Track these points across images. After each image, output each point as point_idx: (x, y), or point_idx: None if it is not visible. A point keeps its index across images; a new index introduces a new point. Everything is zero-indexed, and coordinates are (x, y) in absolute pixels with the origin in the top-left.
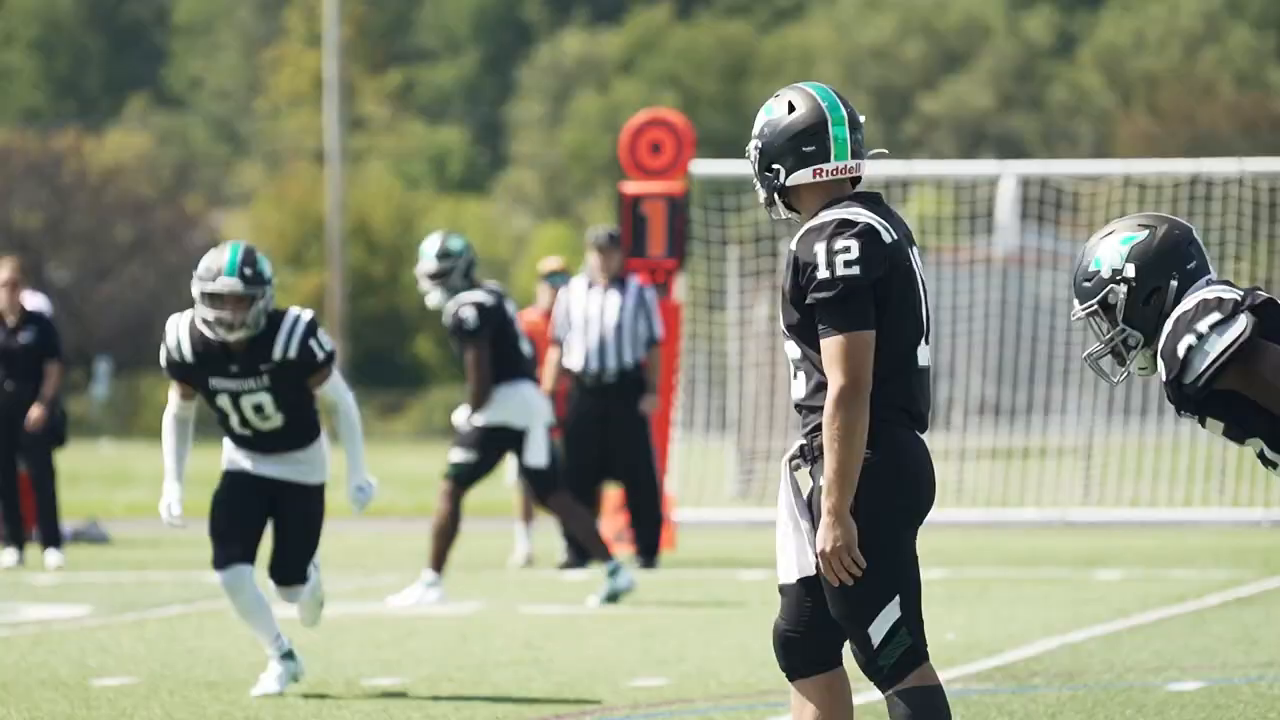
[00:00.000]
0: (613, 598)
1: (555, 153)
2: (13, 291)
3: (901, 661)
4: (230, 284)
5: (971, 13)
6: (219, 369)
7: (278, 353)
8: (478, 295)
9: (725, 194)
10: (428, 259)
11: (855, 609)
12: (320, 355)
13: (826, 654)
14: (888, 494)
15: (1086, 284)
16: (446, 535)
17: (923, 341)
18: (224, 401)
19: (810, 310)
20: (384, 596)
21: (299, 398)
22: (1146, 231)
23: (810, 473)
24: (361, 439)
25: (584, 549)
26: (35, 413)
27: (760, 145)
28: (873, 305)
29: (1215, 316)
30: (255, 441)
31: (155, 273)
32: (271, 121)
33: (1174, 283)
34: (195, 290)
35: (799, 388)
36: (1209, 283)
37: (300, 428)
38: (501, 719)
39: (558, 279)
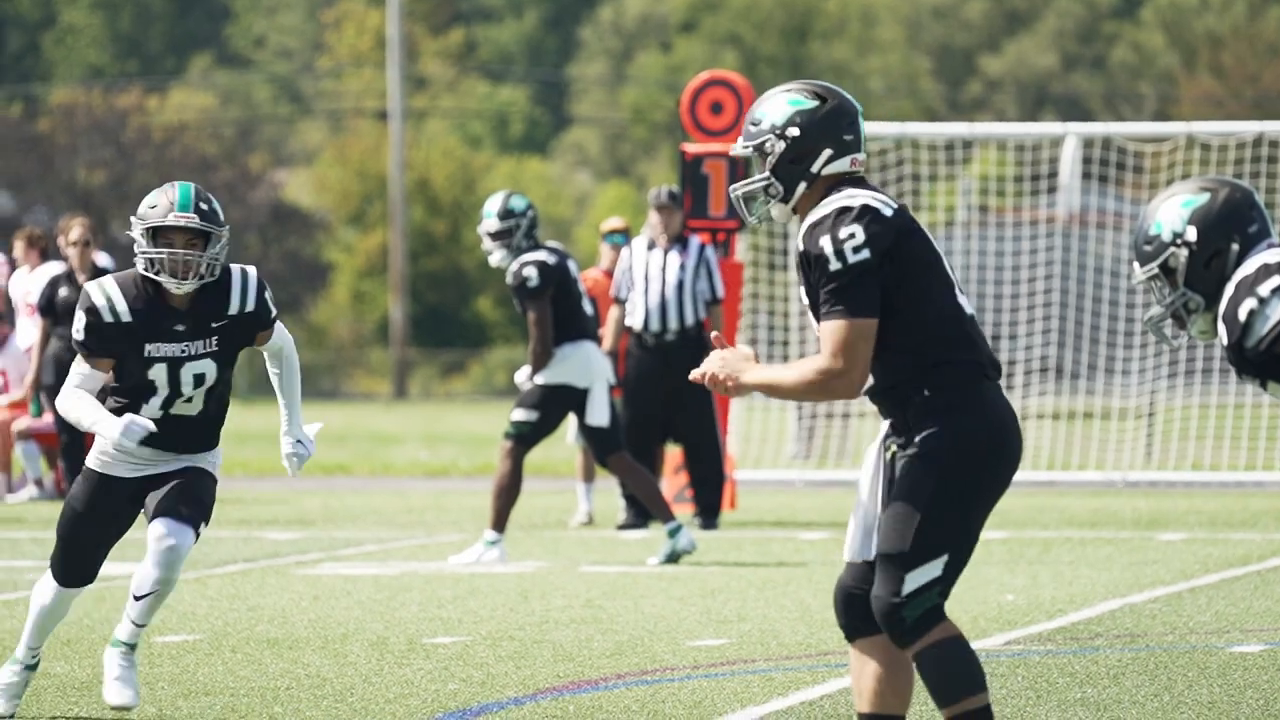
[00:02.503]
0: (673, 558)
1: (617, 112)
2: (84, 250)
3: (926, 617)
4: (187, 218)
5: None
6: (161, 330)
7: (234, 306)
8: (540, 254)
9: None
10: (490, 218)
11: (903, 549)
12: (272, 310)
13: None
14: (980, 463)
15: (1147, 247)
16: (508, 495)
17: (958, 291)
18: (158, 374)
19: None
20: (445, 555)
21: (230, 372)
22: (1208, 195)
23: (900, 446)
24: (300, 392)
25: (645, 509)
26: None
27: (797, 133)
28: (879, 290)
29: (1277, 280)
30: (164, 434)
31: None
32: (334, 80)
33: (1235, 246)
34: (139, 230)
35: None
36: (1270, 246)
37: (215, 421)
38: (562, 677)
39: (619, 239)
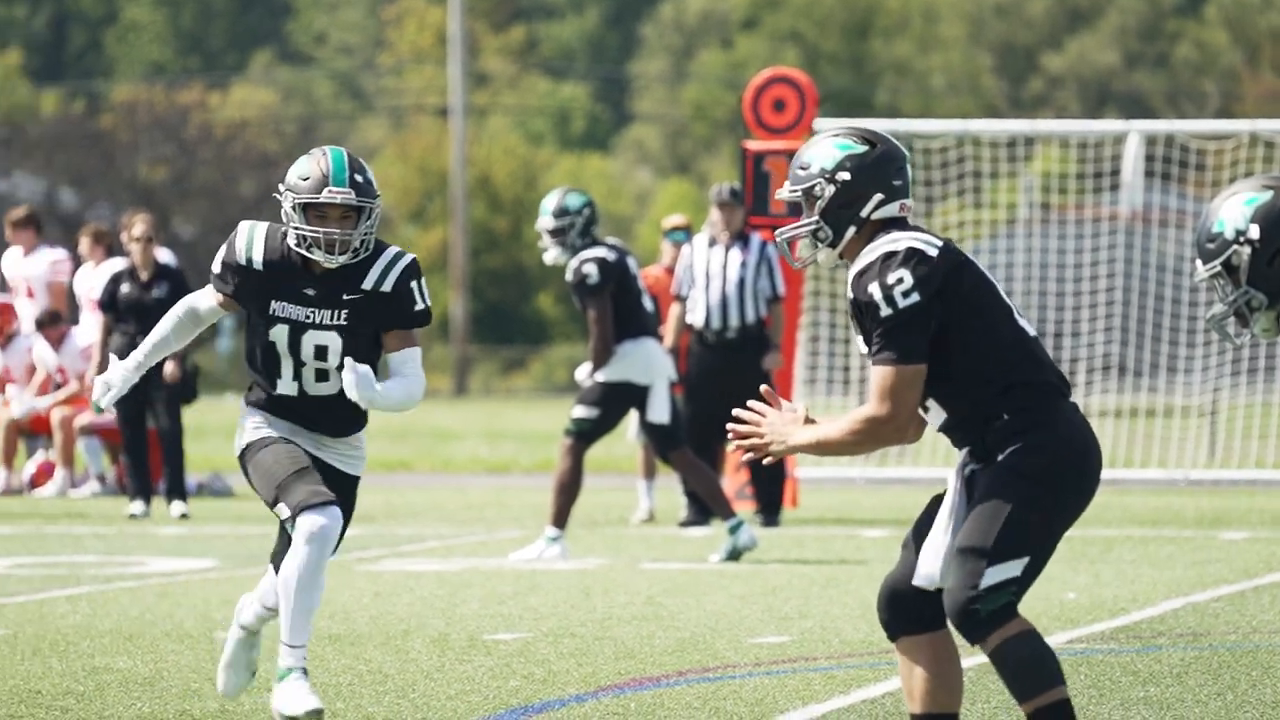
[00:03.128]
0: (734, 555)
1: (678, 109)
2: (146, 246)
3: (1000, 613)
4: (343, 194)
5: None
6: (291, 288)
7: (370, 282)
8: (600, 251)
9: None
10: (546, 215)
11: (986, 544)
12: (419, 303)
13: (931, 612)
14: (1065, 476)
15: (1210, 245)
16: (569, 491)
17: (1017, 314)
18: (279, 335)
19: None
20: (506, 552)
21: (369, 355)
22: (1271, 192)
23: (981, 469)
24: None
25: (706, 506)
26: (170, 368)
27: (848, 178)
28: (927, 334)
29: None
30: (299, 408)
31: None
32: (395, 77)
33: None
34: (291, 204)
35: (933, 417)
36: None
37: (355, 404)
38: (623, 675)
39: (680, 235)
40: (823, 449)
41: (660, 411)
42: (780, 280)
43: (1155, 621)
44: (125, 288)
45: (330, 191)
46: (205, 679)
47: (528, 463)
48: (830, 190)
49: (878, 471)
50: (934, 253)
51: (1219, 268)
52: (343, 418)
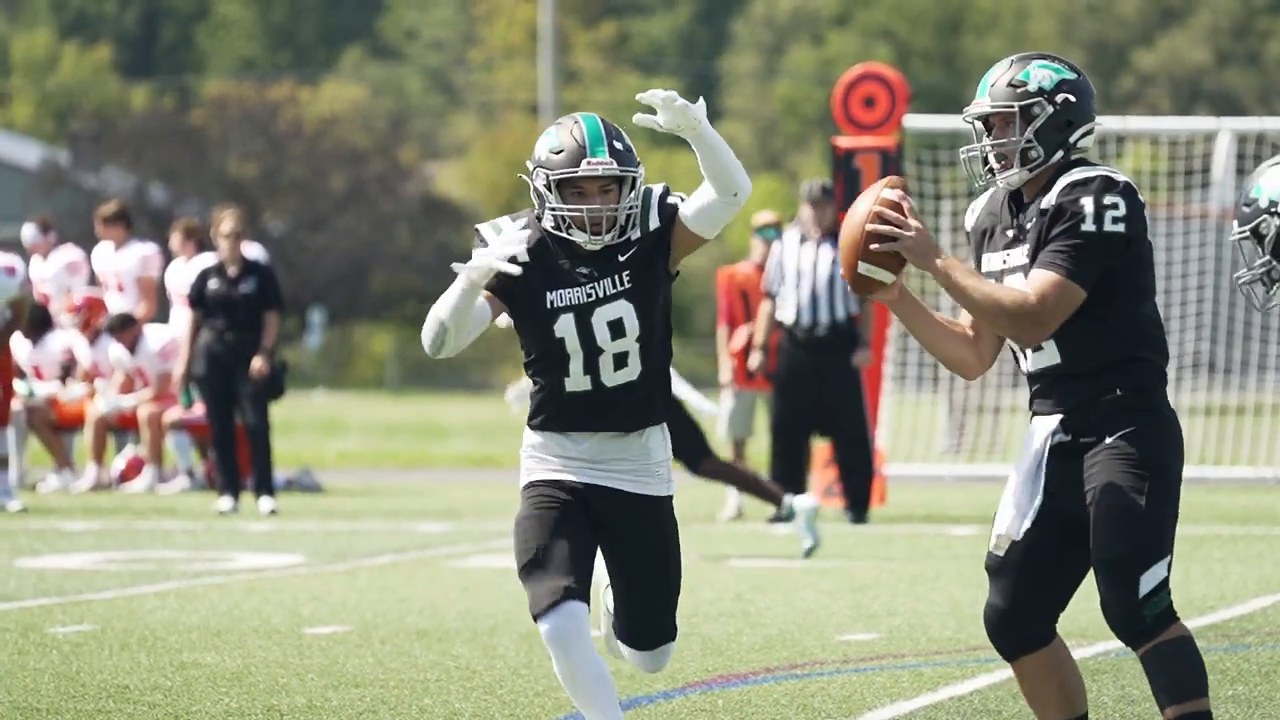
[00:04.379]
0: (811, 534)
1: (768, 106)
2: (235, 242)
3: (1163, 616)
4: (604, 163)
5: None
6: (563, 274)
7: (639, 229)
8: None
9: (939, 148)
10: None
11: (1136, 553)
12: (673, 202)
13: (1044, 630)
14: (1177, 465)
15: (1245, 209)
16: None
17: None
18: (565, 328)
19: None
20: None
21: (658, 320)
22: None
23: (1085, 445)
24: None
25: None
26: (259, 364)
27: (1072, 99)
28: (1101, 269)
29: None
30: (592, 405)
31: (369, 223)
32: (485, 73)
33: None
34: (544, 181)
35: (1037, 361)
36: None
37: (659, 379)
38: (711, 671)
39: (770, 232)
40: (949, 286)
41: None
42: None
43: (1244, 620)
44: (214, 283)
45: (589, 164)
46: (293, 674)
47: None
48: (1050, 111)
49: (967, 469)
50: (1142, 199)
51: (1247, 232)
52: (641, 406)
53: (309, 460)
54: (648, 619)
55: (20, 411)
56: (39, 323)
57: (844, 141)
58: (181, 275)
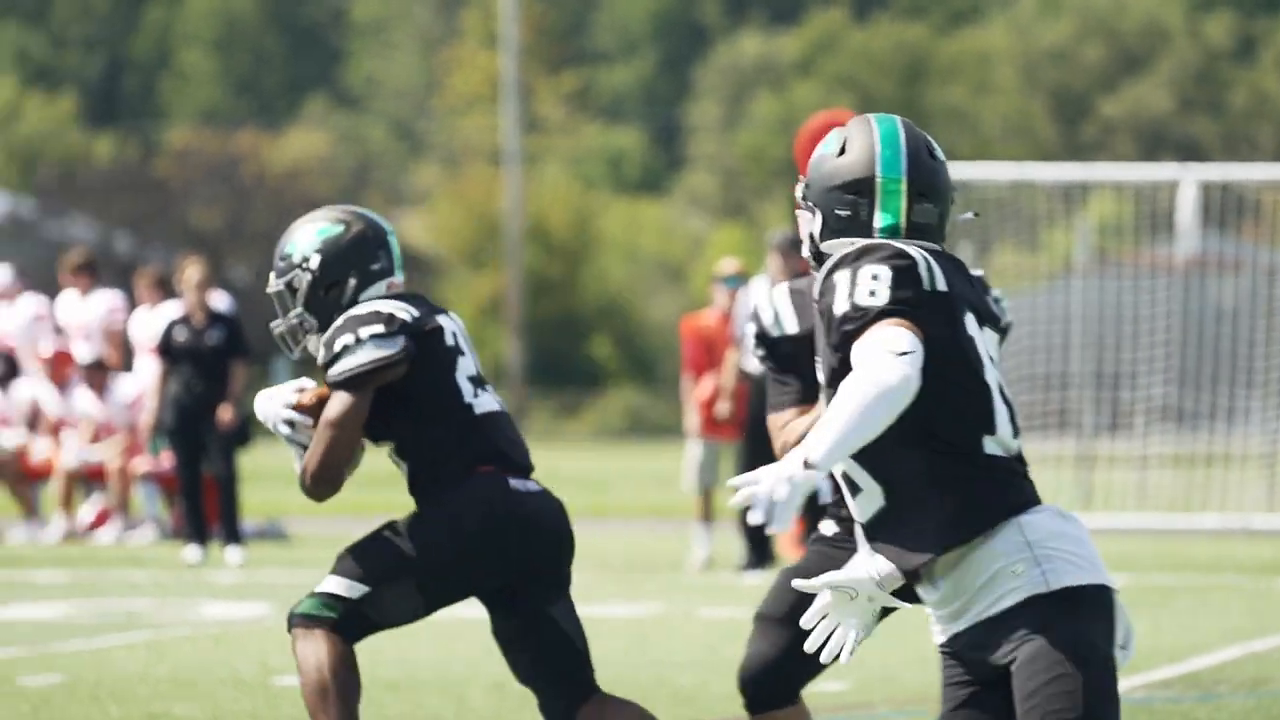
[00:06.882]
0: None
1: (731, 154)
2: (200, 292)
3: None
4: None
5: (1151, 15)
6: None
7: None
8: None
9: None
10: None
11: None
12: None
13: (790, 689)
14: None
15: (280, 263)
16: None
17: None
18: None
19: None
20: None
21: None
22: (342, 226)
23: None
24: None
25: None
26: (226, 414)
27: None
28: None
29: None
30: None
31: None
32: (449, 122)
33: None
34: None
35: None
36: None
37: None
38: None
39: (737, 281)
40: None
41: None
42: None
43: (1215, 670)
44: (180, 333)
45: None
46: None
47: (584, 507)
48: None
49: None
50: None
51: (283, 286)
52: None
53: (276, 509)
54: None
55: None
56: (5, 372)
57: None
58: (147, 325)
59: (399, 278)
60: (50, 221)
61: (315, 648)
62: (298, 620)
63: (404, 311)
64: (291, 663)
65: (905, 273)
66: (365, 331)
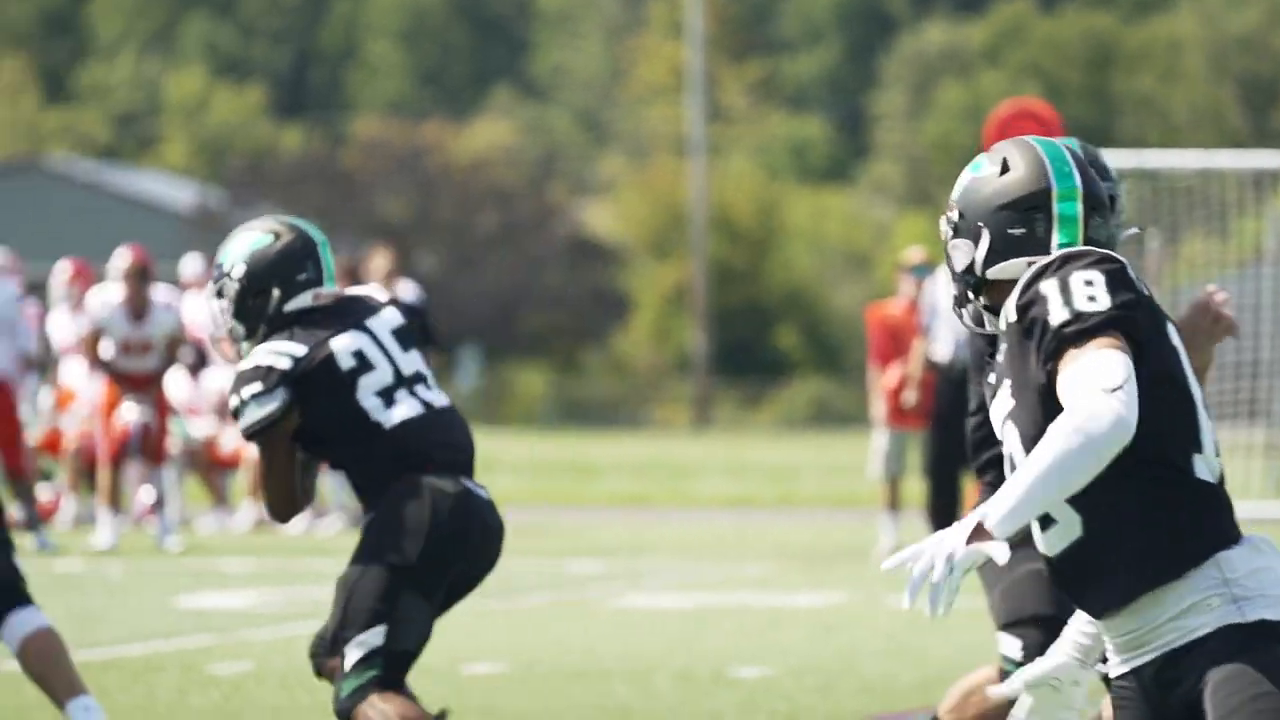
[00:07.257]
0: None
1: (918, 143)
2: (388, 282)
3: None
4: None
5: None
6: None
7: None
8: None
9: None
10: None
11: None
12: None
13: None
14: None
15: (216, 271)
16: None
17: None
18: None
19: None
20: (748, 587)
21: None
22: (270, 237)
23: None
24: None
25: None
26: None
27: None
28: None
29: None
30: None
31: (519, 262)
32: (634, 111)
33: None
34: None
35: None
36: None
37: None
38: (869, 710)
39: (923, 270)
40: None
41: None
42: None
43: None
44: None
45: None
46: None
47: (769, 497)
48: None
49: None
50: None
51: (214, 293)
52: None
53: None
54: None
55: (177, 451)
56: (195, 362)
57: None
58: None
59: (328, 288)
60: (238, 212)
61: (381, 712)
62: (345, 704)
63: (285, 358)
64: (482, 650)
65: (1119, 275)
66: (246, 392)
